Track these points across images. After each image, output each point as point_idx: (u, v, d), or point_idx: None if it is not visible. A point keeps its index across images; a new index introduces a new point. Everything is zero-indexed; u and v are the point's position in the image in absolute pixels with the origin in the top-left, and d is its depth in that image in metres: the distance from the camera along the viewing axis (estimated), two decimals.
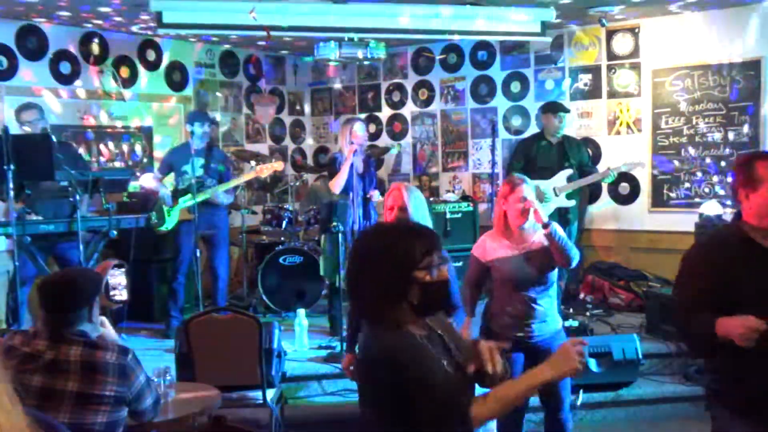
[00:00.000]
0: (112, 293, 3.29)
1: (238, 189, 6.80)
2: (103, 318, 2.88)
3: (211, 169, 6.10)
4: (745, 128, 6.51)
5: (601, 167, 6.83)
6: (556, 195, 6.37)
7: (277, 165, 6.26)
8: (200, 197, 5.87)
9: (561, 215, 6.40)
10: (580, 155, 6.59)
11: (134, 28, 6.85)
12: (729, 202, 6.32)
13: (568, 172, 6.40)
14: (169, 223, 6.03)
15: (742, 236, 2.55)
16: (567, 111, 6.63)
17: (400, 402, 1.93)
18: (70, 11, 6.00)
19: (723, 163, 6.63)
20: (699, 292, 2.53)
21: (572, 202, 6.40)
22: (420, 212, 3.40)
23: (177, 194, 6.07)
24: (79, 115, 6.77)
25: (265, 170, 6.19)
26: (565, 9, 6.20)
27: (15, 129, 5.33)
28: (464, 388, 2.06)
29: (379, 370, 1.99)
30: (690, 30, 6.71)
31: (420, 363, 1.97)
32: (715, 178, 6.69)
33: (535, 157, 6.49)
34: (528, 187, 3.69)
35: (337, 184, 5.79)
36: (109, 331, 2.91)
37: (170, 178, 6.27)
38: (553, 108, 6.56)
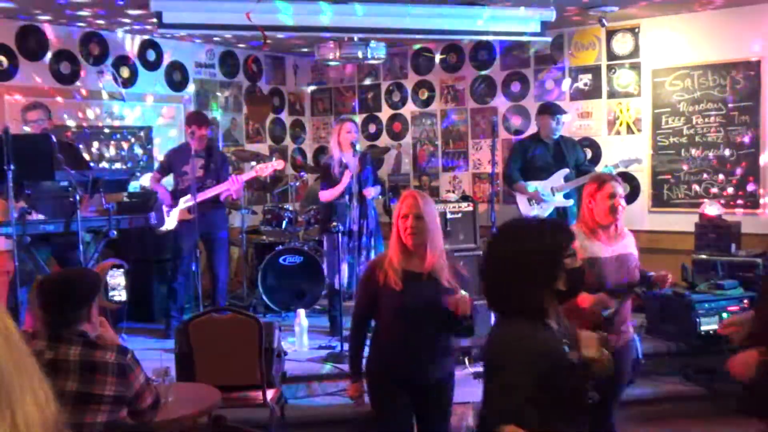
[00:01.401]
0: (111, 294, 3.30)
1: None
2: (102, 319, 2.88)
3: (211, 170, 6.10)
4: (745, 128, 6.51)
5: (599, 167, 6.83)
6: (554, 195, 6.37)
7: (278, 164, 6.26)
8: (200, 197, 5.88)
9: (559, 215, 6.40)
10: (576, 154, 6.59)
11: (134, 28, 6.86)
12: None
13: (565, 171, 6.40)
14: (169, 223, 6.03)
15: None
16: (564, 112, 6.64)
17: (531, 388, 2.08)
18: (70, 11, 6.00)
19: (723, 163, 6.63)
20: None
21: (570, 202, 6.40)
22: (435, 220, 3.23)
23: (177, 194, 6.07)
24: (79, 115, 6.77)
25: (265, 169, 6.19)
26: (564, 9, 6.20)
27: (15, 129, 5.33)
28: (583, 377, 2.24)
29: (516, 354, 2.15)
30: (690, 30, 6.71)
31: (553, 352, 2.16)
32: (716, 178, 6.69)
33: (531, 158, 6.49)
34: (618, 185, 3.56)
35: (323, 197, 5.96)
36: (108, 331, 2.91)
37: (169, 179, 6.27)
38: (549, 109, 6.56)
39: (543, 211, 6.39)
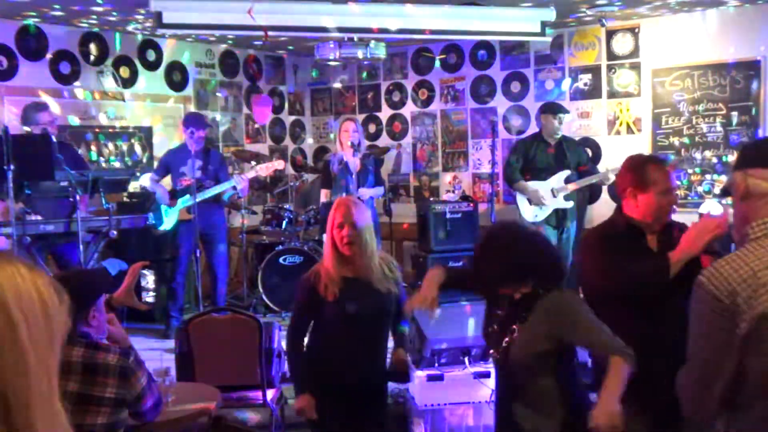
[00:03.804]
0: (143, 295, 3.29)
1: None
2: (112, 315, 2.87)
3: (209, 171, 6.10)
4: (745, 128, 6.51)
5: (600, 167, 6.83)
6: (554, 196, 6.36)
7: (278, 164, 6.27)
8: (200, 197, 5.88)
9: (559, 217, 6.39)
10: (578, 156, 6.57)
11: (134, 28, 6.86)
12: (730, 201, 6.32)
13: (566, 173, 6.38)
14: (168, 224, 6.03)
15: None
16: (566, 112, 6.63)
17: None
18: (70, 11, 6.00)
19: (723, 164, 6.63)
20: None
21: (570, 203, 6.40)
22: (369, 227, 3.20)
23: (175, 195, 6.07)
24: (79, 115, 6.77)
25: (266, 169, 6.20)
26: (565, 9, 6.20)
27: (15, 129, 5.33)
28: None
29: (576, 305, 2.53)
30: (690, 30, 6.71)
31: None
32: (716, 178, 6.69)
33: (533, 158, 6.47)
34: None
35: (324, 195, 6.03)
36: (118, 329, 2.91)
37: (168, 179, 6.27)
38: (552, 108, 6.55)
39: (542, 212, 6.38)
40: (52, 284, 0.97)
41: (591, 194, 7.22)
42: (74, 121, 6.72)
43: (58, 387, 1.01)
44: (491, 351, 2.71)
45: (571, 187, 6.35)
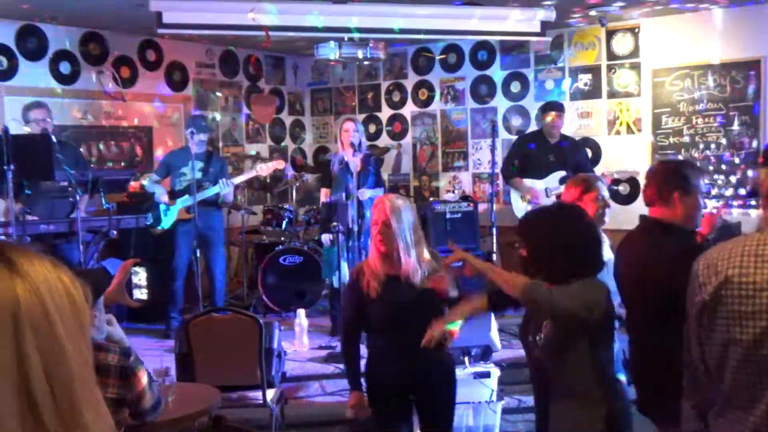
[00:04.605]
0: (134, 292, 3.29)
1: (237, 188, 6.82)
2: (110, 316, 2.87)
3: (210, 174, 6.11)
4: (745, 128, 6.51)
5: (600, 168, 6.82)
6: (547, 196, 6.29)
7: (278, 163, 6.28)
8: (200, 196, 5.90)
9: None
10: (578, 156, 6.55)
11: (134, 28, 6.86)
12: (734, 202, 6.32)
13: (562, 173, 6.32)
14: (166, 223, 6.04)
15: None
16: (555, 108, 6.50)
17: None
18: (70, 11, 6.00)
19: (723, 163, 6.63)
20: None
21: None
22: (408, 225, 3.17)
23: (174, 195, 6.08)
24: (79, 115, 6.77)
25: (266, 169, 6.21)
26: (564, 8, 6.20)
27: (15, 129, 5.33)
28: None
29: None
30: (690, 30, 6.71)
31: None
32: (715, 179, 6.69)
33: (531, 155, 6.45)
34: (603, 186, 3.53)
35: (324, 194, 6.02)
36: (116, 329, 2.91)
37: (167, 180, 6.28)
38: (543, 107, 6.56)
39: None
40: (74, 278, 1.01)
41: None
42: (74, 121, 6.72)
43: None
44: (530, 355, 2.69)
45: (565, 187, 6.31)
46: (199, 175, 6.00)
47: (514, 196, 6.51)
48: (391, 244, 3.16)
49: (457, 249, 2.84)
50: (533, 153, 6.45)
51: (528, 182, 6.39)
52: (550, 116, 6.43)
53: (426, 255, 3.25)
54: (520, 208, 6.39)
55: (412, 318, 3.14)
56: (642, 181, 6.97)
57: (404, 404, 3.27)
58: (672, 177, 2.84)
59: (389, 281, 3.20)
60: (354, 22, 5.67)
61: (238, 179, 6.24)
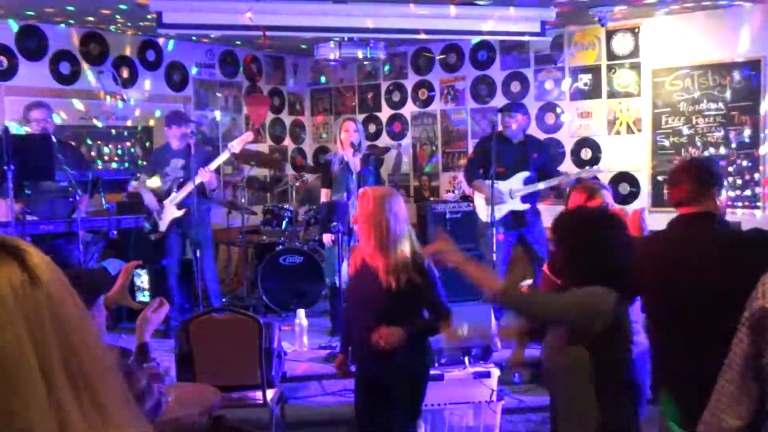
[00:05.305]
0: (137, 294, 3.30)
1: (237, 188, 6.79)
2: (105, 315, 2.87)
3: (192, 170, 5.97)
4: (745, 128, 6.51)
5: (600, 167, 6.81)
6: (511, 197, 6.16)
7: (247, 136, 6.18)
8: (178, 198, 5.88)
9: (515, 219, 6.19)
10: (543, 156, 6.39)
11: (134, 28, 6.85)
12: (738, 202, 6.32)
13: (525, 174, 6.19)
14: (162, 226, 6.03)
15: None
16: (507, 110, 6.32)
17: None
18: (70, 11, 6.00)
19: (723, 163, 6.63)
20: None
21: (526, 206, 6.18)
22: (387, 219, 3.18)
23: (162, 197, 6.06)
24: (79, 115, 6.77)
25: (236, 145, 6.07)
26: (564, 9, 6.20)
27: (15, 128, 5.33)
28: None
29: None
30: (690, 30, 6.71)
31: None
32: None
33: (494, 156, 5.95)
34: (607, 193, 3.51)
35: (324, 195, 6.02)
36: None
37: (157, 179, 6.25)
38: (504, 107, 6.38)
39: (498, 212, 6.05)
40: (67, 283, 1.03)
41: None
42: (74, 121, 6.71)
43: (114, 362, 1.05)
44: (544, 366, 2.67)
45: (530, 189, 6.17)
46: (180, 172, 5.96)
47: (478, 198, 6.38)
48: (364, 234, 3.28)
49: (439, 239, 2.78)
50: (497, 154, 5.98)
51: (490, 185, 6.02)
52: (499, 117, 6.21)
53: (407, 251, 3.24)
54: (483, 210, 6.22)
55: (362, 307, 3.28)
56: (643, 178, 7.01)
57: (372, 396, 3.30)
58: (708, 174, 2.85)
59: (362, 267, 3.32)
60: (354, 23, 5.67)
61: (213, 164, 5.99)
